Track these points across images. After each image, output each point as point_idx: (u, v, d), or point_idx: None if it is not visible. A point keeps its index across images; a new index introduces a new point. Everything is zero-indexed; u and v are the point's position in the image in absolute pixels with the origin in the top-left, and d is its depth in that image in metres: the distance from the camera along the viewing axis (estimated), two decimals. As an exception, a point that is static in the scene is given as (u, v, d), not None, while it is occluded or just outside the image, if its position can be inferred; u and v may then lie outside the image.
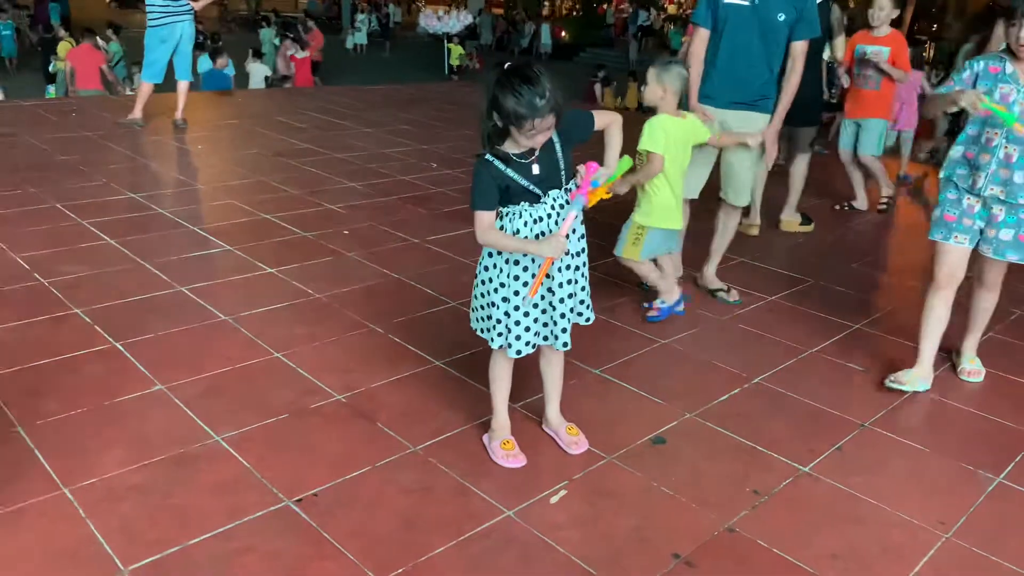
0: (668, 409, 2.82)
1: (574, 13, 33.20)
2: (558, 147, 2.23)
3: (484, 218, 2.21)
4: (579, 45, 27.11)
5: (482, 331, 2.42)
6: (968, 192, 2.84)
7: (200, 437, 2.49)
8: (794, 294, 3.98)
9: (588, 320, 2.45)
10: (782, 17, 3.45)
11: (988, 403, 2.98)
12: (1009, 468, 2.57)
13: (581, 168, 2.24)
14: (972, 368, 3.16)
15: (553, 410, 2.59)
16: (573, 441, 2.55)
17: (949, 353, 3.24)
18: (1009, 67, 2.72)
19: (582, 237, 2.36)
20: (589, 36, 28.15)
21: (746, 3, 3.48)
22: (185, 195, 5.14)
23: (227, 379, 2.85)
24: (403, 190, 5.44)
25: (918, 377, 3.00)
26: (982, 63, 2.78)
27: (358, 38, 23.81)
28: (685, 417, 2.78)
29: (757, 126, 3.60)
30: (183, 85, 6.84)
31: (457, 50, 20.24)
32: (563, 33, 28.05)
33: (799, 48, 3.53)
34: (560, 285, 2.31)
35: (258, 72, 12.04)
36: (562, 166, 2.24)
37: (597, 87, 15.98)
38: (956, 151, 2.89)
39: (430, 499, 2.28)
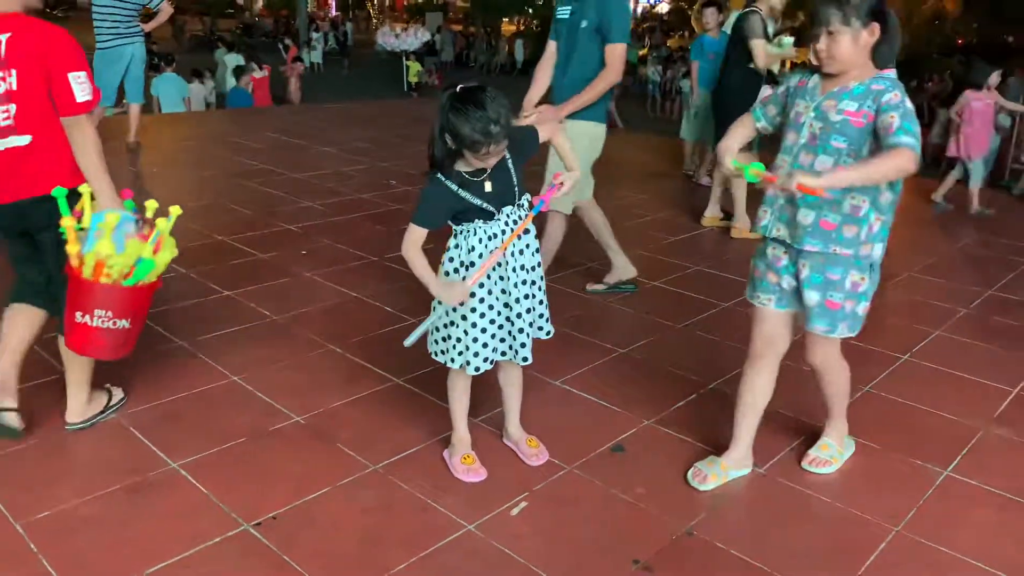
0: (627, 417, 2.86)
1: (532, 28, 33.45)
2: (510, 163, 2.26)
3: (416, 233, 2.22)
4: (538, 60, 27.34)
5: (438, 353, 2.42)
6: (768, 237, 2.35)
7: (156, 464, 2.46)
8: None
9: (549, 333, 2.48)
10: (584, 24, 3.57)
11: (936, 398, 3.05)
12: (956, 461, 2.64)
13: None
14: (817, 455, 2.56)
15: (513, 423, 2.61)
16: (534, 453, 2.56)
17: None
18: (813, 81, 2.24)
19: (536, 251, 2.39)
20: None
21: (566, 15, 3.69)
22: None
23: (184, 405, 2.82)
24: (362, 208, 5.44)
25: (731, 466, 2.49)
26: (796, 77, 2.31)
27: (314, 56, 23.75)
28: (644, 424, 2.82)
29: (578, 132, 3.58)
30: (135, 108, 6.77)
31: (415, 67, 20.28)
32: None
33: (609, 51, 3.56)
34: (517, 300, 2.33)
35: (197, 94, 11.91)
36: (515, 181, 2.27)
37: None
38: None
39: (391, 516, 2.28)
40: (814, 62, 2.21)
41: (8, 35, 2.29)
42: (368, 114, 9.76)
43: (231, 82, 13.26)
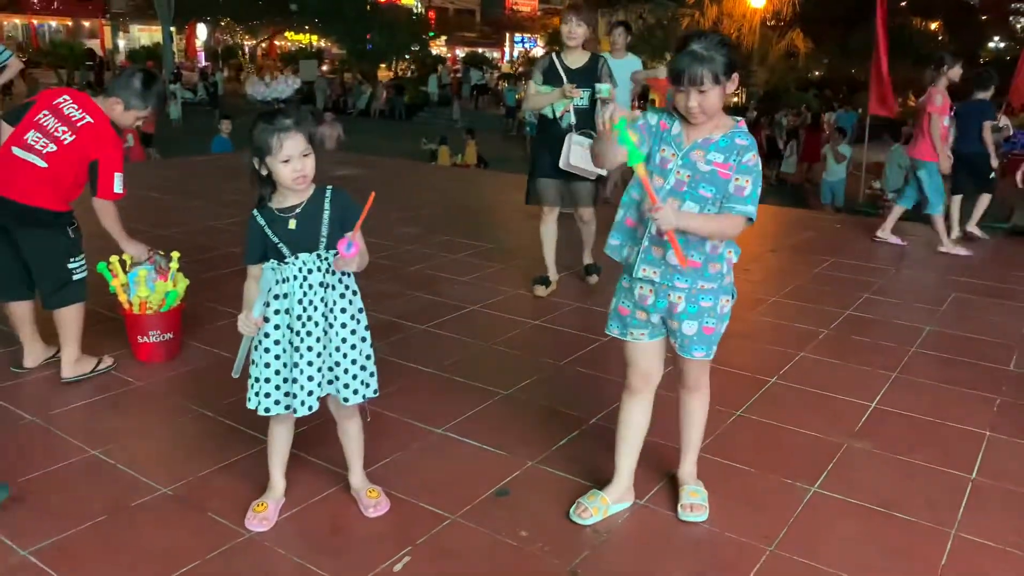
0: (511, 460, 2.84)
1: (409, 74, 33.74)
2: (326, 214, 2.25)
3: (249, 270, 2.32)
4: (418, 105, 27.52)
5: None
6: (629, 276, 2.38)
7: (3, 555, 2.26)
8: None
9: (364, 397, 2.38)
10: None
11: (802, 418, 3.20)
12: (822, 477, 2.77)
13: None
14: (693, 502, 2.53)
15: (355, 475, 2.55)
16: (372, 504, 2.50)
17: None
18: (676, 128, 2.27)
19: (344, 311, 2.31)
20: (426, 96, 28.68)
21: None
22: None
23: (34, 486, 2.60)
24: (231, 263, 5.25)
25: (612, 501, 2.53)
26: (655, 118, 2.31)
27: (174, 110, 22.96)
28: (527, 466, 2.81)
29: None
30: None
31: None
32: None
33: None
34: (304, 349, 2.28)
35: None
36: (323, 232, 2.25)
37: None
38: (619, 215, 2.39)
39: (267, 586, 2.18)
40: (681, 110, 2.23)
41: (90, 121, 3.24)
42: (238, 165, 9.50)
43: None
